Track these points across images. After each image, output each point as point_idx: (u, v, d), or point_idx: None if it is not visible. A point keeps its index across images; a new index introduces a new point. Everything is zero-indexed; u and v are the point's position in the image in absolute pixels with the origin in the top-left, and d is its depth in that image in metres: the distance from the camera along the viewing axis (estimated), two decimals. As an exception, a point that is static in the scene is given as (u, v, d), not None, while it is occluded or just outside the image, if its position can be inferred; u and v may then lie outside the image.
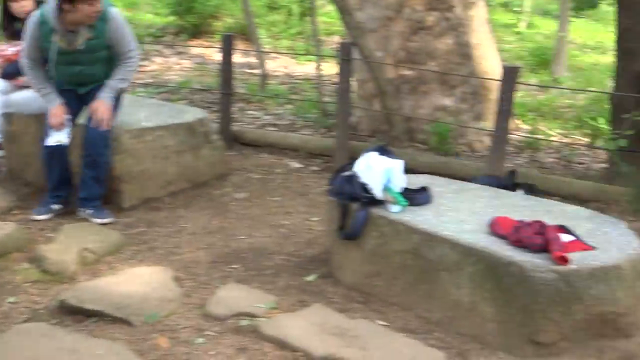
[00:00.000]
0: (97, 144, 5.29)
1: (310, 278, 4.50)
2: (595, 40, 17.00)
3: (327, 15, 15.84)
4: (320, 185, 6.21)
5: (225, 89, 7.62)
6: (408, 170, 4.60)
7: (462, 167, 6.71)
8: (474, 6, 8.98)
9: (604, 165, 7.19)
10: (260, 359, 3.55)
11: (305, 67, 12.29)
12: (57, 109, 5.31)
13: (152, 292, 4.18)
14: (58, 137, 5.30)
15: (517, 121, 9.25)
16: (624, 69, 6.46)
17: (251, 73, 11.43)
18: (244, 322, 3.89)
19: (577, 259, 3.68)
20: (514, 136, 8.26)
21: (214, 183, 6.29)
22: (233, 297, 4.16)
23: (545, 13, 20.60)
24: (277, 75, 11.63)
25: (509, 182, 5.50)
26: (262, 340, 3.70)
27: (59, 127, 5.29)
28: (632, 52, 6.34)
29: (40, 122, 5.56)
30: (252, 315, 3.95)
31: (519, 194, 5.05)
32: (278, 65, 12.56)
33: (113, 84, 5.39)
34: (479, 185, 5.02)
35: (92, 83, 5.44)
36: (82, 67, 5.36)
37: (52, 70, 5.37)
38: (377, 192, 4.31)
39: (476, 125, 8.13)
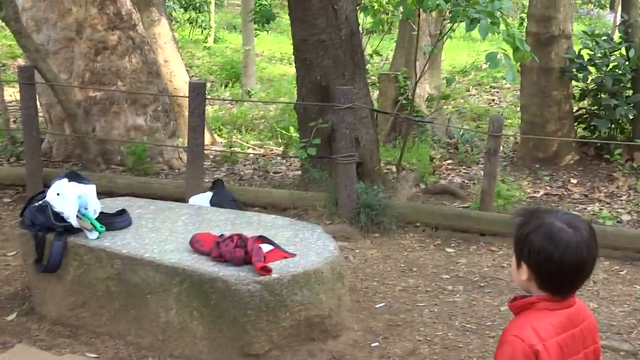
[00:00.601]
0: None
1: (11, 317, 4.32)
2: (281, 51, 17.84)
3: (9, 38, 15.04)
4: (14, 218, 5.95)
5: None
6: (108, 194, 4.57)
7: (161, 186, 6.77)
8: (157, 24, 9.10)
9: (298, 172, 7.57)
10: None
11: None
12: None
13: None
14: None
15: (214, 136, 9.49)
16: (304, 79, 6.84)
17: None
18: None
19: (279, 268, 3.83)
20: (211, 151, 8.48)
21: None
22: None
23: (232, 27, 21.23)
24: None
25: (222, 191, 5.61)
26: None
27: None
28: (309, 63, 6.72)
29: None
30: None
31: (221, 209, 5.10)
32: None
33: None
34: (177, 204, 5.11)
35: None
36: None
37: None
38: (72, 220, 4.20)
39: (171, 143, 8.23)
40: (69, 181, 4.46)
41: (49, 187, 4.42)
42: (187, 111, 6.36)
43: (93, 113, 7.91)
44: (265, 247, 4.01)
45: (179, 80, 9.24)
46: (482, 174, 6.44)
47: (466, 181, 7.75)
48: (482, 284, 5.09)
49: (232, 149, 8.83)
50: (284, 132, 9.49)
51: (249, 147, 9.19)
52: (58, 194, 4.32)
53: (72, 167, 7.33)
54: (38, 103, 7.23)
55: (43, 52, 7.37)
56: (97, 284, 4.11)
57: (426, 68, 8.15)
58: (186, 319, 3.88)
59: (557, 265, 2.03)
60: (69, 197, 4.28)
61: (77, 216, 4.23)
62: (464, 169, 8.26)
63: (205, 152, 6.75)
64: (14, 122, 9.27)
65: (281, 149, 9.11)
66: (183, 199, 5.96)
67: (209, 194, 5.52)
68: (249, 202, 6.23)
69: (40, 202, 4.35)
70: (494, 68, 6.15)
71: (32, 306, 4.40)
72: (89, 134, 7.66)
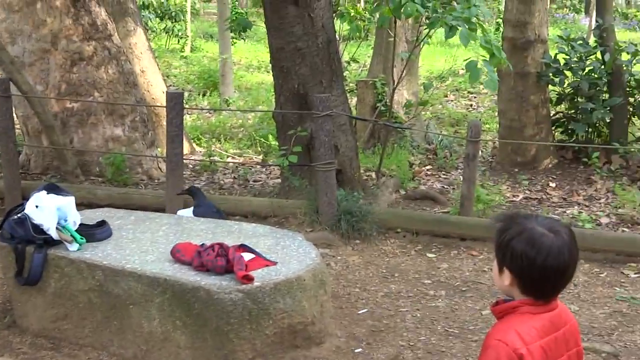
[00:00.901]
0: None
1: (-8, 331, 4.29)
2: (258, 59, 17.86)
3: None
4: (-8, 232, 5.88)
5: None
6: (87, 205, 4.55)
7: (141, 196, 6.75)
8: (133, 34, 9.08)
9: (278, 181, 7.58)
10: None
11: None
12: None
13: None
14: None
15: (193, 145, 9.48)
16: (282, 87, 6.85)
17: None
18: None
19: (261, 276, 3.83)
20: (190, 160, 8.47)
21: None
22: None
23: (209, 36, 21.22)
24: None
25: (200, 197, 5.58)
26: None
27: None
28: (287, 71, 6.73)
29: None
30: None
31: (201, 219, 5.07)
32: None
33: None
34: (158, 214, 5.10)
35: None
36: None
37: None
38: (52, 232, 4.18)
39: (150, 153, 8.21)
40: (47, 193, 4.43)
41: (27, 199, 4.39)
42: (165, 121, 6.35)
43: (70, 124, 7.88)
44: (247, 256, 4.01)
45: (156, 90, 9.23)
46: (462, 179, 6.48)
47: (446, 186, 7.80)
48: (463, 289, 5.12)
49: (212, 158, 8.83)
50: (263, 140, 9.50)
51: (228, 156, 9.19)
52: (37, 206, 4.30)
53: (51, 179, 7.29)
54: (14, 115, 7.19)
55: (18, 64, 7.33)
56: (79, 295, 4.10)
57: (404, 74, 8.20)
58: (169, 329, 3.87)
59: (540, 270, 2.05)
60: (48, 209, 4.26)
61: (56, 228, 4.21)
62: (443, 174, 8.31)
63: (184, 161, 6.75)
64: None
65: (261, 157, 9.12)
66: (163, 209, 5.96)
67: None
68: (230, 211, 6.23)
69: (19, 215, 4.31)
70: (474, 80, 6.19)
71: (14, 319, 4.37)
72: (67, 146, 7.62)
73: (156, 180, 7.93)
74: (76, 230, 4.26)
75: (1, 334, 4.26)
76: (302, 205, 6.28)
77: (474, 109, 12.34)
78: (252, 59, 18.17)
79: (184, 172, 6.94)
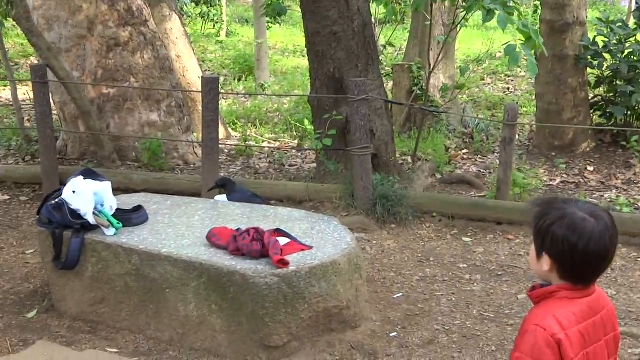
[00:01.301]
0: None
1: (32, 314, 4.34)
2: (293, 44, 17.80)
3: (21, 37, 15.11)
4: (32, 216, 5.98)
5: None
6: (123, 190, 4.58)
7: (177, 181, 6.78)
8: (169, 19, 9.10)
9: (313, 165, 7.56)
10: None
11: (3, 93, 11.66)
12: None
13: None
14: None
15: (228, 130, 9.50)
16: (318, 71, 6.83)
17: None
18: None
19: (296, 260, 3.83)
20: (226, 145, 8.49)
21: None
22: (-54, 347, 3.92)
23: (244, 21, 21.21)
24: (-31, 103, 10.93)
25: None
26: (-16, 389, 3.55)
27: None
28: (322, 55, 6.71)
29: None
30: (-30, 364, 3.76)
31: (237, 203, 5.07)
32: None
33: None
34: (194, 199, 5.12)
35: None
36: None
37: None
38: (89, 217, 4.23)
39: (186, 138, 8.24)
40: (84, 178, 4.47)
41: (64, 185, 4.43)
42: (201, 106, 6.37)
43: (107, 110, 7.94)
44: (282, 240, 4.02)
45: (192, 75, 9.25)
46: (498, 163, 6.42)
47: (482, 170, 7.73)
48: (499, 273, 5.08)
49: (247, 142, 8.83)
50: (299, 125, 9.48)
51: (263, 141, 9.19)
52: (74, 192, 4.33)
53: (88, 165, 7.36)
54: (52, 101, 7.26)
55: (55, 50, 7.39)
56: (116, 279, 4.14)
57: (440, 58, 8.13)
58: (205, 313, 3.89)
59: (581, 255, 2.02)
60: (85, 194, 4.29)
61: (93, 213, 4.25)
62: (479, 158, 8.23)
63: (220, 146, 6.76)
64: (28, 120, 9.31)
65: (296, 141, 9.10)
66: (199, 194, 5.98)
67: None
68: (265, 196, 6.21)
69: (56, 200, 4.36)
70: (514, 64, 6.12)
71: (52, 303, 4.42)
72: (104, 131, 7.68)
73: (192, 165, 7.96)
74: (113, 215, 4.29)
75: (40, 317, 4.32)
76: (338, 189, 6.27)
77: (511, 92, 12.20)
78: (287, 43, 18.12)
79: (220, 157, 6.96)
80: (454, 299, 4.64)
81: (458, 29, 8.55)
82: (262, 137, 9.38)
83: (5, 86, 11.69)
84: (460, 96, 10.26)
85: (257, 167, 7.94)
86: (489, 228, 5.90)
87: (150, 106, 8.07)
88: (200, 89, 6.43)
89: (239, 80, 13.77)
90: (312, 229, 4.32)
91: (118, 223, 4.25)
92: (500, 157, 6.35)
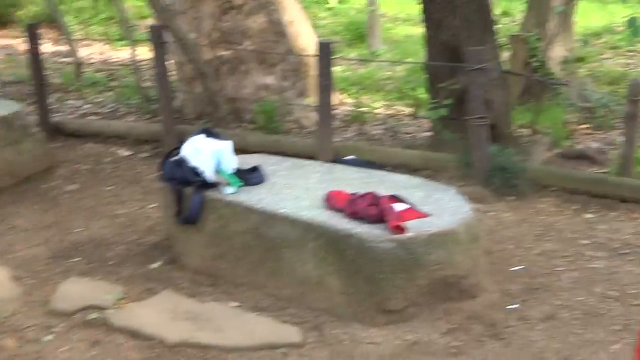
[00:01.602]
0: None
1: (155, 265, 4.48)
2: (405, 12, 17.58)
3: (138, -1, 15.48)
4: (152, 172, 6.10)
5: (38, 79, 7.34)
6: (238, 151, 4.63)
7: (291, 144, 6.83)
8: (281, -17, 9.10)
9: (428, 133, 7.47)
10: (114, 351, 3.51)
11: (122, 53, 11.98)
12: None
13: (-10, 295, 4.02)
14: None
15: (341, 96, 9.48)
16: (433, 39, 6.70)
17: (64, 62, 11.00)
18: (93, 315, 3.83)
19: (414, 227, 3.80)
20: (339, 111, 8.48)
21: (41, 177, 6.07)
22: (77, 290, 4.08)
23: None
24: (92, 63, 11.26)
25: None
26: (113, 331, 3.67)
27: None
28: (438, 23, 6.57)
29: None
30: (100, 308, 3.89)
31: (353, 167, 5.07)
32: (93, 52, 12.15)
33: None
34: (310, 162, 5.15)
35: None
36: None
37: None
38: (209, 175, 4.32)
39: (300, 102, 8.28)
40: (205, 137, 4.56)
41: (184, 142, 4.53)
42: (315, 71, 6.37)
43: (223, 72, 8.04)
44: (400, 206, 3.99)
45: (305, 41, 9.24)
46: (621, 139, 6.17)
47: (603, 146, 7.45)
48: (624, 251, 4.89)
49: (361, 109, 8.79)
50: (413, 93, 9.36)
51: (377, 108, 9.12)
52: (195, 150, 4.43)
53: (205, 125, 7.48)
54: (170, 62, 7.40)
55: (172, 12, 7.51)
56: (235, 237, 4.21)
57: (558, 29, 7.86)
58: (322, 274, 3.91)
59: None
60: (205, 153, 4.39)
61: (213, 171, 4.32)
62: (600, 133, 7.94)
63: (333, 112, 6.75)
64: (147, 80, 9.53)
65: (410, 109, 9.00)
66: (312, 158, 5.99)
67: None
68: (381, 162, 6.20)
69: (177, 157, 4.47)
70: (636, 36, 5.88)
71: (174, 256, 4.54)
72: (219, 93, 7.79)
73: (306, 129, 7.99)
74: (232, 174, 4.35)
75: (163, 268, 4.45)
76: (454, 159, 6.17)
77: (633, 67, 11.71)
78: (399, 11, 17.91)
79: (333, 123, 6.95)
80: (575, 275, 4.50)
81: (576, 1, 8.23)
82: (375, 104, 9.32)
83: (124, 46, 12.00)
84: (579, 70, 9.91)
85: (371, 133, 7.90)
86: (612, 205, 5.68)
87: (265, 69, 8.14)
88: (313, 54, 6.43)
89: (351, 47, 13.70)
90: (429, 197, 4.28)
91: (237, 182, 4.30)
92: (623, 133, 6.12)
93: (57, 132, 7.24)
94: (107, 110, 8.53)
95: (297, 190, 4.35)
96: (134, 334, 3.63)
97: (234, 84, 8.07)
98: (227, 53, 8.00)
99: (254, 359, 3.48)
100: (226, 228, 4.23)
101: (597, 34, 12.81)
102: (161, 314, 3.79)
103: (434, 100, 6.60)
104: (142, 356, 3.46)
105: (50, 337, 3.65)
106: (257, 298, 4.08)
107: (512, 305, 4.07)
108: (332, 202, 4.06)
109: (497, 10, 9.51)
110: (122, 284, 4.19)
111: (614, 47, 13.07)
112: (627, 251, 4.89)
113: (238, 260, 4.23)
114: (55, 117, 7.50)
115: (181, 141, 4.70)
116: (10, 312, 3.87)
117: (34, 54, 7.29)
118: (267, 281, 4.14)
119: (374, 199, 3.97)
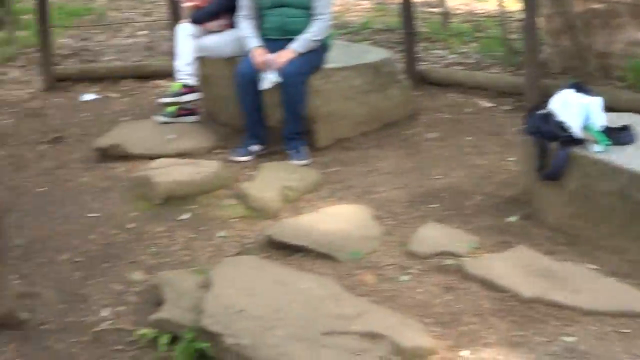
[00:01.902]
0: (293, 84, 5.45)
1: (512, 219, 4.43)
2: None
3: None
4: (513, 125, 6.03)
5: (407, 28, 7.56)
6: (607, 109, 4.42)
7: (665, 106, 6.31)
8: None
9: None
10: (467, 298, 3.55)
11: (487, 4, 11.92)
12: (258, 50, 5.51)
13: (354, 230, 4.28)
14: (271, 79, 5.44)
15: None
16: None
17: (432, 12, 11.22)
18: (448, 261, 3.90)
19: None
20: None
21: (404, 123, 6.27)
22: (434, 236, 4.18)
23: None
24: (458, 13, 11.35)
25: None
26: (467, 279, 3.71)
27: (264, 67, 5.44)
28: None
29: (232, 65, 5.79)
30: (455, 255, 3.95)
31: None
32: (459, 3, 12.24)
33: (306, 37, 5.58)
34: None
35: (295, 33, 5.58)
36: (288, 18, 5.60)
37: (262, 20, 5.68)
38: (577, 131, 4.17)
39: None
40: (575, 91, 4.41)
41: (547, 97, 4.41)
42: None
43: (593, 25, 7.64)
44: None
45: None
46: None
47: None
48: None
49: None
50: None
51: None
52: (563, 103, 4.31)
53: (570, 80, 7.20)
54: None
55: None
56: (599, 197, 4.02)
57: None
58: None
59: None
60: (574, 108, 4.25)
61: (581, 127, 4.17)
62: None
63: None
64: (513, 32, 9.39)
65: None
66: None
67: None
68: None
69: (544, 111, 4.37)
70: None
71: (531, 211, 4.46)
72: (588, 47, 7.43)
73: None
74: (600, 132, 4.16)
75: (519, 223, 4.39)
76: None
77: None
78: None
79: None
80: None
81: None
82: None
83: (490, -2, 11.92)
84: None
85: None
86: None
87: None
88: None
89: None
90: None
91: (606, 140, 4.11)
92: None
93: (421, 80, 7.42)
94: (471, 61, 8.56)
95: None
96: (487, 284, 3.63)
97: (604, 39, 7.62)
98: (600, 6, 7.57)
99: (613, 325, 3.31)
100: (590, 187, 4.06)
101: None
102: (515, 268, 3.74)
103: None
104: (496, 307, 3.46)
105: (406, 277, 3.79)
106: (618, 263, 3.87)
107: None
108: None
109: None
110: (477, 234, 4.21)
111: None
112: None
113: (599, 222, 4.04)
114: (421, 66, 7.69)
115: (544, 96, 4.58)
116: (371, 250, 4.09)
117: (407, 2, 7.52)
118: (630, 247, 3.90)
119: None
